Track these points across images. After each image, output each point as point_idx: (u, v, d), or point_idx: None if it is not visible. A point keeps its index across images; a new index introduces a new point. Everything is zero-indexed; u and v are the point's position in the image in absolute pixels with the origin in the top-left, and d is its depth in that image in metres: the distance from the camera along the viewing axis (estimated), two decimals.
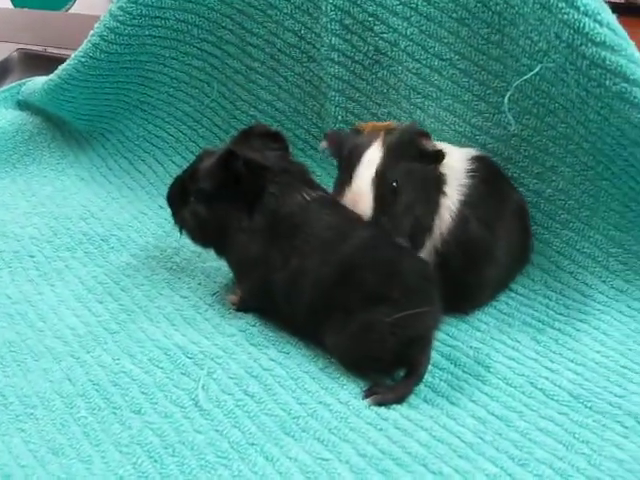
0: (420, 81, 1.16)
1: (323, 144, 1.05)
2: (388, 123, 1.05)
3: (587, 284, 1.09)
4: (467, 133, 1.14)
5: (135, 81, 1.42)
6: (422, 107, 1.17)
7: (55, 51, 1.78)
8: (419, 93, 1.16)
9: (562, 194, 1.11)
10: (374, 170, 0.96)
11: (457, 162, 1.03)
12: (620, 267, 1.08)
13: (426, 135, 1.00)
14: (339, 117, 1.23)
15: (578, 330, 1.02)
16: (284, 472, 0.78)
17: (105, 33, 1.28)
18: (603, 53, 0.92)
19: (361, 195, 0.96)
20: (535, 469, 0.79)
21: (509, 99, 1.06)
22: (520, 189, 1.13)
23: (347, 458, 0.80)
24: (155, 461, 0.79)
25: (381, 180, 0.95)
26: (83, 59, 1.31)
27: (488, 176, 1.04)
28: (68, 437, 0.82)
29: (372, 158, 0.97)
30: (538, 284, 1.11)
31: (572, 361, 0.96)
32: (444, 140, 1.12)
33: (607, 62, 0.92)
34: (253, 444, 0.82)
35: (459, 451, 0.81)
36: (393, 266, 0.93)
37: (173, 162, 1.43)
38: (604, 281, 1.09)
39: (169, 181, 1.34)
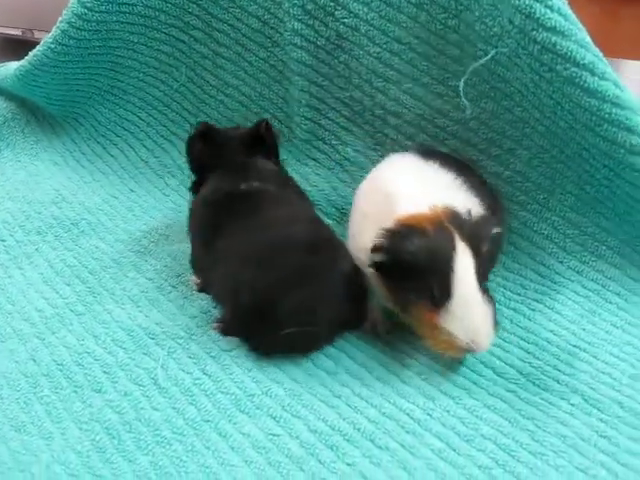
0: (381, 65, 1.17)
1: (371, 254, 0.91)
2: (434, 211, 0.89)
3: (544, 265, 1.11)
4: (427, 116, 1.15)
5: (105, 67, 1.43)
6: (383, 90, 1.19)
7: (37, 35, 1.79)
8: (380, 77, 1.18)
9: (520, 176, 1.13)
10: (475, 276, 0.87)
11: None
12: (577, 248, 1.10)
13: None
14: (303, 101, 1.24)
15: (533, 310, 1.05)
16: (236, 447, 0.81)
17: (73, 20, 1.29)
18: (554, 38, 0.93)
19: (478, 303, 0.86)
20: (479, 444, 0.82)
21: (465, 83, 1.08)
22: (479, 171, 1.15)
23: (298, 434, 0.83)
24: (113, 437, 0.82)
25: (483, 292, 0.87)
26: (52, 45, 1.32)
27: None
28: (31, 415, 0.85)
29: (466, 262, 0.86)
30: (496, 265, 1.13)
31: (524, 340, 0.99)
32: (404, 124, 1.15)
33: (557, 47, 0.93)
34: (208, 421, 0.85)
35: (407, 427, 0.84)
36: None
37: (144, 146, 1.45)
38: (561, 262, 1.11)
39: (141, 165, 1.37)
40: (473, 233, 0.88)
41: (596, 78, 0.93)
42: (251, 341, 0.96)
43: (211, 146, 1.10)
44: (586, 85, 0.93)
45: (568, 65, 0.93)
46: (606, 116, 0.94)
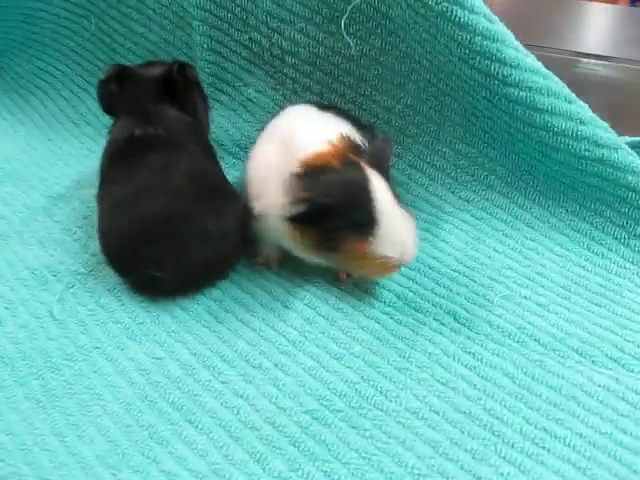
0: (275, 6, 1.20)
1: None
2: (335, 146, 0.92)
3: (437, 195, 1.15)
4: (321, 54, 1.18)
5: (18, 19, 1.46)
6: (279, 31, 1.21)
7: None
8: (275, 17, 1.21)
9: (410, 110, 1.17)
10: (391, 197, 0.91)
11: None
12: (467, 178, 1.14)
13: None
14: (205, 45, 1.27)
15: (420, 239, 1.05)
16: (121, 370, 0.88)
17: None
18: None
19: (401, 216, 0.91)
20: (348, 362, 0.88)
21: (354, 20, 1.12)
22: (372, 106, 1.19)
23: (178, 357, 0.89)
24: (7, 365, 0.89)
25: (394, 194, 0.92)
26: None
27: None
28: None
29: (380, 185, 0.89)
30: None
31: (407, 267, 1.02)
32: (301, 62, 1.19)
33: None
34: (97, 347, 0.91)
35: (281, 348, 0.90)
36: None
37: (62, 96, 1.48)
38: (452, 192, 1.15)
39: (59, 115, 1.40)
40: (375, 157, 0.92)
41: (466, 11, 0.95)
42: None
43: (121, 90, 1.11)
44: (457, 19, 0.96)
45: (439, 0, 0.96)
46: (478, 49, 0.97)
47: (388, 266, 0.91)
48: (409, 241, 0.91)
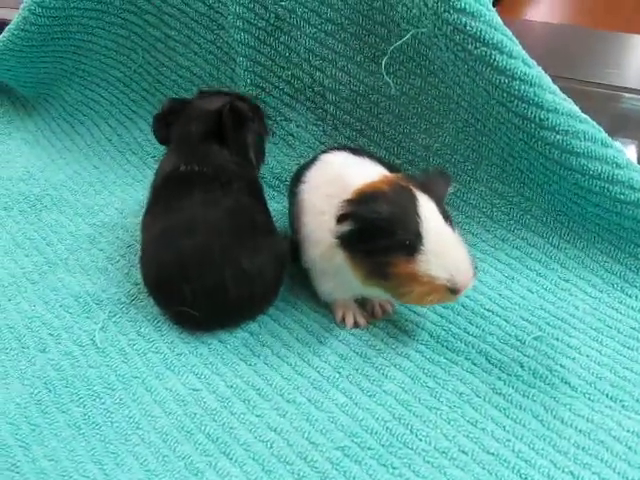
0: (317, 45, 1.23)
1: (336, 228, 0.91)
2: (387, 177, 0.94)
3: (472, 233, 1.17)
4: (362, 92, 1.21)
5: (69, 50, 1.51)
6: (321, 68, 1.25)
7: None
8: (317, 56, 1.24)
9: (448, 149, 1.19)
10: (440, 217, 0.89)
11: None
12: (503, 217, 1.16)
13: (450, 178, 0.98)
14: (248, 80, 1.31)
15: None
16: (159, 400, 0.90)
17: (33, 7, 1.37)
18: (464, 19, 0.98)
19: (452, 238, 0.89)
20: (380, 399, 0.90)
21: (395, 61, 1.15)
22: (410, 144, 1.22)
23: (215, 389, 0.92)
24: (50, 391, 0.92)
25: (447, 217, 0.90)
26: (15, 32, 1.41)
27: None
28: None
29: (429, 206, 0.88)
30: None
31: (440, 305, 1.04)
32: (342, 99, 1.21)
33: (468, 27, 0.98)
34: (137, 377, 0.94)
35: (315, 383, 0.92)
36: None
37: (108, 124, 1.53)
38: (488, 230, 1.16)
39: (104, 142, 1.45)
40: (428, 184, 0.91)
41: (505, 56, 0.97)
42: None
43: (174, 123, 1.13)
44: (495, 63, 0.98)
45: (478, 44, 0.98)
46: (516, 92, 0.99)
47: (437, 289, 0.87)
48: (461, 263, 0.88)
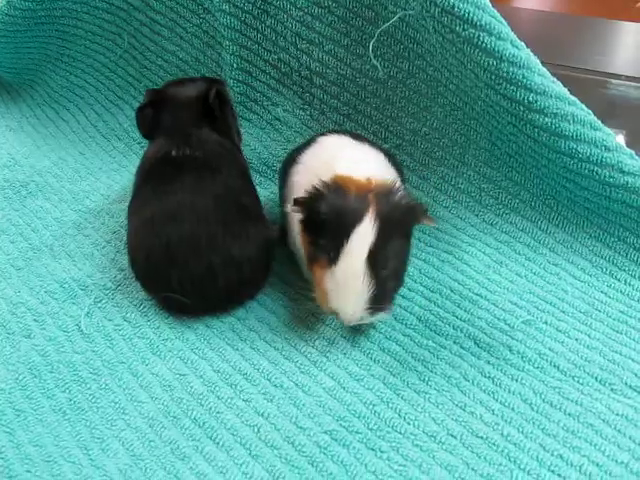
0: (304, 28, 1.22)
1: (292, 208, 0.93)
2: (369, 180, 0.91)
3: (461, 217, 1.16)
4: (349, 75, 1.20)
5: (53, 35, 1.50)
6: (307, 52, 1.24)
7: None
8: (304, 39, 1.23)
9: (437, 132, 1.18)
10: (367, 250, 0.86)
11: None
12: (491, 201, 1.15)
13: (425, 214, 0.92)
14: (234, 64, 1.30)
15: (442, 261, 1.10)
16: (145, 385, 0.90)
17: None
18: (452, 1, 0.97)
19: (354, 275, 0.87)
20: (368, 383, 0.89)
21: (382, 44, 1.15)
22: (398, 128, 1.21)
23: (202, 373, 0.91)
24: (35, 376, 0.91)
25: (374, 264, 0.87)
26: (0, 16, 1.39)
27: None
28: None
29: (365, 233, 0.87)
30: None
31: (429, 289, 1.04)
32: (329, 83, 1.20)
33: (456, 9, 0.97)
34: (122, 362, 0.93)
35: (302, 368, 0.92)
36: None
37: (94, 110, 1.52)
38: (476, 214, 1.16)
39: (90, 129, 1.44)
40: (391, 217, 0.88)
41: (493, 38, 0.97)
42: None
43: (158, 113, 1.12)
44: (484, 45, 0.97)
45: (466, 26, 0.97)
46: (504, 75, 0.98)
47: (330, 309, 0.90)
48: (348, 304, 0.88)
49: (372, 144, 1.05)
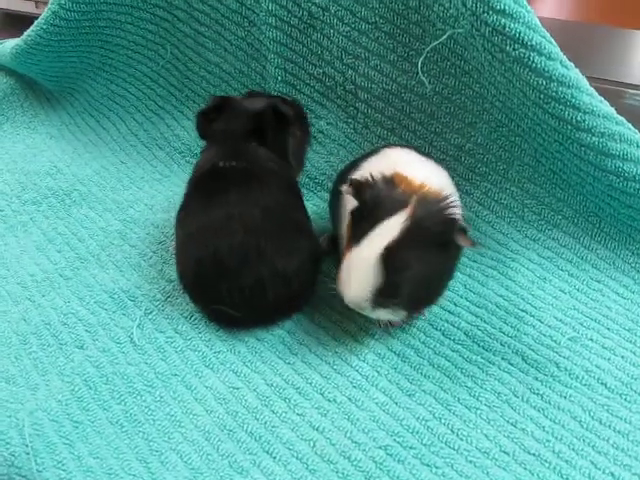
0: (350, 43, 1.23)
1: (346, 189, 0.93)
2: (422, 184, 0.92)
3: (503, 233, 1.17)
4: (394, 90, 1.21)
5: (96, 45, 1.51)
6: (353, 67, 1.25)
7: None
8: (350, 54, 1.24)
9: (481, 148, 1.19)
10: (387, 243, 0.87)
11: None
12: (534, 217, 1.16)
13: (464, 231, 0.89)
14: (279, 77, 1.31)
15: (486, 276, 1.11)
16: (200, 398, 0.91)
17: (63, 1, 1.37)
18: (503, 20, 0.98)
19: (365, 262, 0.88)
20: (420, 399, 0.90)
21: (429, 60, 1.15)
22: (442, 143, 1.22)
23: (255, 387, 0.92)
24: (90, 388, 0.92)
25: (389, 258, 0.87)
26: (45, 26, 1.40)
27: None
28: (20, 369, 0.95)
29: (391, 227, 0.88)
30: None
31: (474, 304, 1.05)
32: (374, 98, 1.21)
33: (507, 29, 0.98)
34: (176, 374, 0.94)
35: (355, 382, 0.93)
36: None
37: (134, 119, 1.53)
38: (519, 230, 1.17)
39: (131, 137, 1.45)
40: (423, 222, 0.88)
41: (543, 58, 0.98)
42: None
43: (217, 120, 1.13)
44: (534, 65, 0.98)
45: (517, 46, 0.98)
46: (553, 94, 0.99)
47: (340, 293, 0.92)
48: (351, 288, 0.90)
49: (438, 162, 1.06)
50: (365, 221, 0.90)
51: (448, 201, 0.91)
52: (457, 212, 0.92)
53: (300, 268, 1.00)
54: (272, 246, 0.98)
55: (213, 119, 1.13)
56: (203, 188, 1.05)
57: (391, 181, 0.92)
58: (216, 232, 0.98)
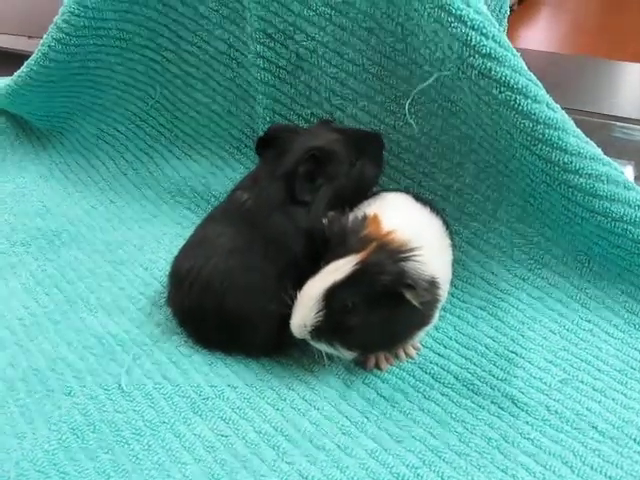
0: (338, 84, 1.24)
1: (324, 222, 0.98)
2: (389, 232, 0.92)
3: (493, 273, 1.17)
4: (382, 132, 1.21)
5: (86, 85, 1.51)
6: (341, 108, 1.26)
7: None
8: (338, 95, 1.25)
9: (469, 188, 1.20)
10: (331, 282, 0.90)
11: None
12: (523, 257, 1.16)
13: (409, 289, 0.88)
14: (267, 118, 1.32)
15: (476, 317, 1.11)
16: (188, 446, 0.89)
17: (53, 44, 1.37)
18: (489, 64, 0.99)
19: (307, 297, 0.92)
20: (409, 445, 0.89)
21: (416, 102, 1.16)
22: (431, 183, 1.22)
23: (244, 434, 0.91)
24: (78, 437, 0.91)
25: (330, 297, 0.90)
26: (35, 67, 1.41)
27: None
28: (6, 416, 0.94)
29: (338, 269, 0.90)
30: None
31: (464, 346, 1.05)
32: None
33: (493, 72, 0.99)
34: (164, 422, 0.93)
35: (344, 429, 0.92)
36: None
37: (124, 158, 1.53)
38: (508, 270, 1.17)
39: (121, 178, 1.45)
40: (373, 270, 0.89)
41: (529, 100, 0.99)
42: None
43: (266, 148, 1.11)
44: (520, 108, 0.99)
45: (503, 89, 0.99)
46: (540, 136, 1.00)
47: None
48: (294, 319, 0.93)
49: (435, 211, 1.06)
50: (329, 255, 0.93)
51: (408, 254, 0.90)
52: (417, 266, 0.90)
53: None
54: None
55: (268, 146, 1.11)
56: (217, 207, 1.14)
57: (363, 222, 0.94)
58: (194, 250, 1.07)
